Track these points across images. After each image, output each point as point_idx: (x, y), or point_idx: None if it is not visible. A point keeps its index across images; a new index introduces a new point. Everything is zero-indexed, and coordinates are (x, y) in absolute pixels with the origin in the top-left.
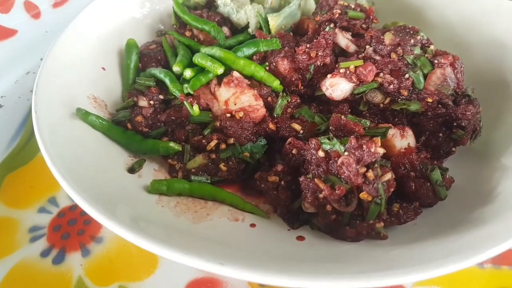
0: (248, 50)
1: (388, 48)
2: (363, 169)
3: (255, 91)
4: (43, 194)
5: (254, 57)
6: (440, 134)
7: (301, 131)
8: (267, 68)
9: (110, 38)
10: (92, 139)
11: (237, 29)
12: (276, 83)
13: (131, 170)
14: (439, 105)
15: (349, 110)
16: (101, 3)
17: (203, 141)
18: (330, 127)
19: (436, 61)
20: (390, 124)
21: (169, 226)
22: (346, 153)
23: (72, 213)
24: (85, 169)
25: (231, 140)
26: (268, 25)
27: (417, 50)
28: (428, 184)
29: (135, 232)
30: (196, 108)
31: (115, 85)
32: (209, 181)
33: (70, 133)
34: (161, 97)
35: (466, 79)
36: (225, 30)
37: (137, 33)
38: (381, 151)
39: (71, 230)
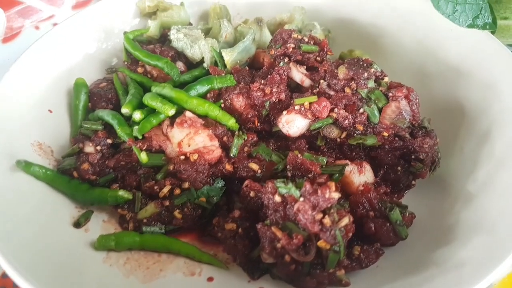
0: (201, 88)
1: (342, 83)
2: (320, 215)
3: (210, 131)
4: None
5: (209, 94)
6: (399, 168)
7: (259, 171)
8: (223, 105)
9: (57, 78)
10: (35, 191)
11: (192, 63)
12: (231, 122)
13: (77, 224)
14: (396, 138)
15: (307, 146)
16: (46, 40)
17: (155, 187)
18: (288, 166)
19: (390, 94)
20: (347, 161)
21: None
22: (301, 199)
23: (4, 281)
24: (22, 230)
25: (186, 184)
26: (223, 60)
27: (371, 83)
28: (388, 224)
29: None
30: (144, 155)
31: (64, 128)
32: (163, 230)
33: (9, 188)
34: (109, 141)
35: (424, 108)
36: (180, 65)
37: (87, 71)
38: (336, 196)
39: None
